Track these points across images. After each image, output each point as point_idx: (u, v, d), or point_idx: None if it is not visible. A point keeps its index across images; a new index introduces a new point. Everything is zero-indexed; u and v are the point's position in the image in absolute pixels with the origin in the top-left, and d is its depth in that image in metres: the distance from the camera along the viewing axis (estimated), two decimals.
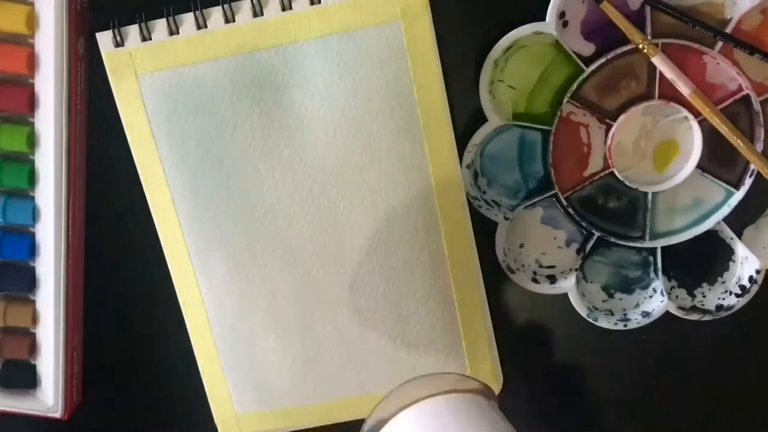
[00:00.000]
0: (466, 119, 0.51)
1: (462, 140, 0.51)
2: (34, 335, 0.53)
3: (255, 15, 0.49)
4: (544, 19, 0.48)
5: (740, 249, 0.53)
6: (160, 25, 0.49)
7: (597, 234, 0.53)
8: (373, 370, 0.54)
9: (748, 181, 0.51)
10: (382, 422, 0.47)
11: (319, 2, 0.48)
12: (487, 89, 0.50)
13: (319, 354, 0.54)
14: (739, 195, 0.51)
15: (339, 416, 0.56)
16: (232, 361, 0.55)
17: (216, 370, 0.55)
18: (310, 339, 0.54)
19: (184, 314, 0.54)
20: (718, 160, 0.51)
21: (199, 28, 0.49)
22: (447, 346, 0.54)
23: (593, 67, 0.49)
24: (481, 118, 0.50)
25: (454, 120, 0.50)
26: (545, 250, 0.54)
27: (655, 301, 0.54)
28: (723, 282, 0.55)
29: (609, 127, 0.50)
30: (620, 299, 0.55)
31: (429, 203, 0.51)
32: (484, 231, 0.53)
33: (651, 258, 0.54)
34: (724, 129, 0.48)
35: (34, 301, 0.53)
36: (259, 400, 0.55)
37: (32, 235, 0.52)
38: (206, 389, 0.55)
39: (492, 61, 0.49)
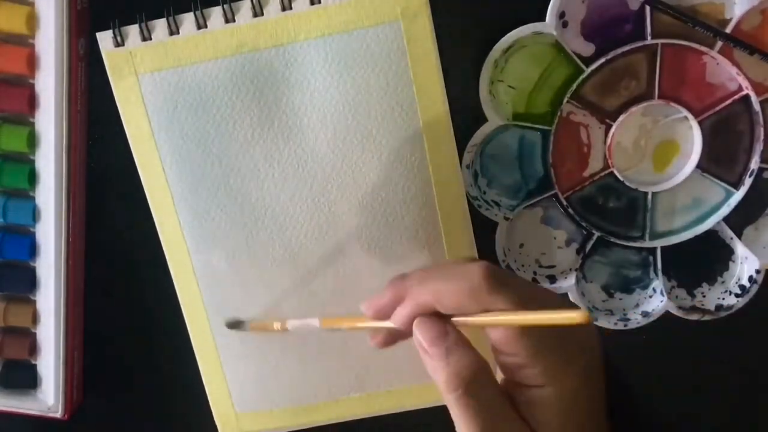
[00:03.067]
0: (466, 119, 0.51)
1: (462, 140, 0.51)
2: (34, 335, 0.53)
3: (255, 15, 0.49)
4: (543, 20, 0.48)
5: (740, 249, 0.53)
6: (160, 25, 0.49)
7: (597, 234, 0.53)
8: (372, 370, 0.54)
9: (747, 181, 0.51)
10: None
11: (319, 2, 0.48)
12: (487, 89, 0.50)
13: (319, 353, 0.54)
14: (738, 195, 0.52)
15: (339, 416, 0.56)
16: (231, 360, 0.55)
17: (216, 369, 0.55)
18: (309, 338, 0.54)
19: (183, 313, 0.54)
20: (718, 160, 0.51)
21: (199, 27, 0.49)
22: None
23: (593, 67, 0.49)
24: (481, 119, 0.50)
25: (454, 120, 0.50)
26: (545, 250, 0.54)
27: (655, 301, 0.54)
28: (723, 282, 0.55)
29: (609, 127, 0.50)
30: (620, 299, 0.55)
31: (429, 203, 0.51)
32: (484, 231, 0.53)
33: (651, 258, 0.54)
34: None
35: (34, 301, 0.53)
36: (258, 400, 0.55)
37: (32, 235, 0.52)
38: (206, 389, 0.55)
39: (492, 62, 0.49)
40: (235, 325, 0.53)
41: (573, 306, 0.41)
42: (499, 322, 0.37)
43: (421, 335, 0.39)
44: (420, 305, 0.39)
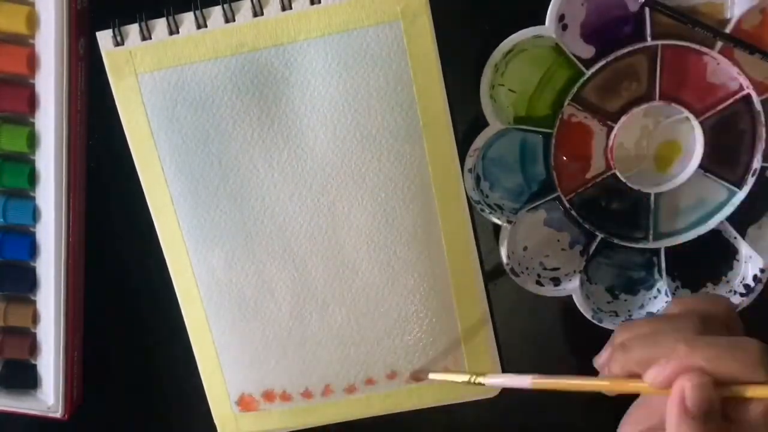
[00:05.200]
0: (468, 124, 0.51)
1: (463, 144, 0.51)
2: (34, 335, 0.53)
3: (255, 14, 0.49)
4: (543, 23, 0.48)
5: (744, 248, 0.53)
6: (160, 25, 0.49)
7: (600, 235, 0.52)
8: (372, 370, 0.54)
9: (750, 181, 0.51)
10: None
11: (319, 2, 0.48)
12: (488, 93, 0.50)
13: (318, 354, 0.54)
14: (741, 194, 0.51)
15: (338, 417, 0.56)
16: (230, 360, 0.54)
17: (215, 369, 0.55)
18: (309, 338, 0.54)
19: (183, 313, 0.54)
20: (720, 159, 0.51)
21: (199, 27, 0.49)
22: (447, 346, 0.54)
23: (594, 69, 0.49)
24: (482, 123, 0.50)
25: (455, 124, 0.50)
26: (549, 252, 0.54)
27: (660, 301, 0.54)
28: (727, 281, 0.54)
29: (610, 129, 0.50)
30: (625, 300, 0.55)
31: (429, 203, 0.51)
32: (487, 234, 0.53)
33: (655, 259, 0.54)
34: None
35: (34, 301, 0.53)
36: (258, 401, 0.55)
37: (32, 235, 0.52)
38: (205, 389, 0.55)
39: (492, 66, 0.49)
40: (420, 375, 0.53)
41: None
42: None
43: (693, 401, 0.38)
44: (686, 368, 0.39)
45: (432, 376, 0.50)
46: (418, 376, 0.53)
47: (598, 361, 0.46)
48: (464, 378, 0.47)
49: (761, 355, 0.38)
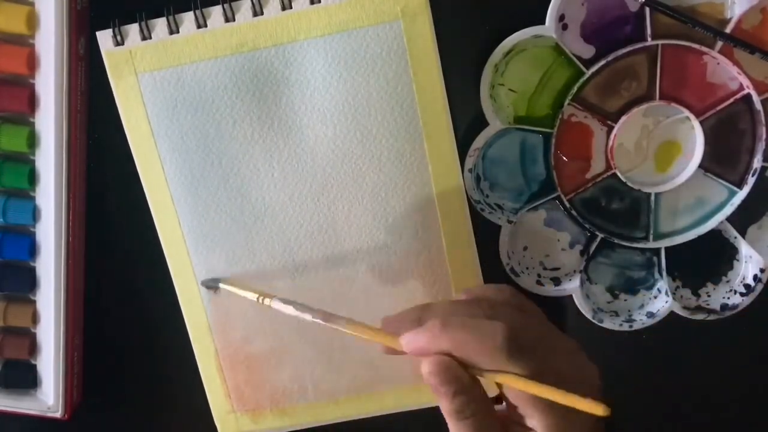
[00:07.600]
0: (468, 123, 0.51)
1: (463, 144, 0.51)
2: (34, 335, 0.53)
3: (255, 14, 0.49)
4: (543, 23, 0.48)
5: (744, 248, 0.53)
6: (160, 24, 0.49)
7: (600, 235, 0.53)
8: (372, 370, 0.54)
9: (750, 180, 0.51)
10: None
11: (319, 1, 0.48)
12: (488, 93, 0.50)
13: (318, 353, 0.54)
14: (741, 194, 0.51)
15: (338, 416, 0.56)
16: (230, 361, 0.54)
17: (215, 370, 0.55)
18: (308, 338, 0.54)
19: (183, 313, 0.54)
20: (720, 159, 0.51)
21: (199, 27, 0.49)
22: None
23: (594, 69, 0.49)
24: (482, 122, 0.50)
25: (456, 124, 0.50)
26: (549, 252, 0.54)
27: (660, 301, 0.54)
28: (727, 281, 0.55)
29: (610, 129, 0.50)
30: (625, 300, 0.55)
31: (429, 203, 0.51)
32: (487, 234, 0.53)
33: (655, 258, 0.54)
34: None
35: (34, 301, 0.53)
36: (257, 400, 0.55)
37: (32, 235, 0.52)
38: (206, 389, 0.55)
39: (492, 65, 0.49)
40: (210, 283, 0.53)
41: (593, 385, 0.42)
42: (514, 386, 0.38)
43: (434, 378, 0.40)
44: (437, 347, 0.40)
45: (222, 285, 0.52)
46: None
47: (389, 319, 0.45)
48: (253, 296, 0.48)
49: (503, 341, 0.38)
